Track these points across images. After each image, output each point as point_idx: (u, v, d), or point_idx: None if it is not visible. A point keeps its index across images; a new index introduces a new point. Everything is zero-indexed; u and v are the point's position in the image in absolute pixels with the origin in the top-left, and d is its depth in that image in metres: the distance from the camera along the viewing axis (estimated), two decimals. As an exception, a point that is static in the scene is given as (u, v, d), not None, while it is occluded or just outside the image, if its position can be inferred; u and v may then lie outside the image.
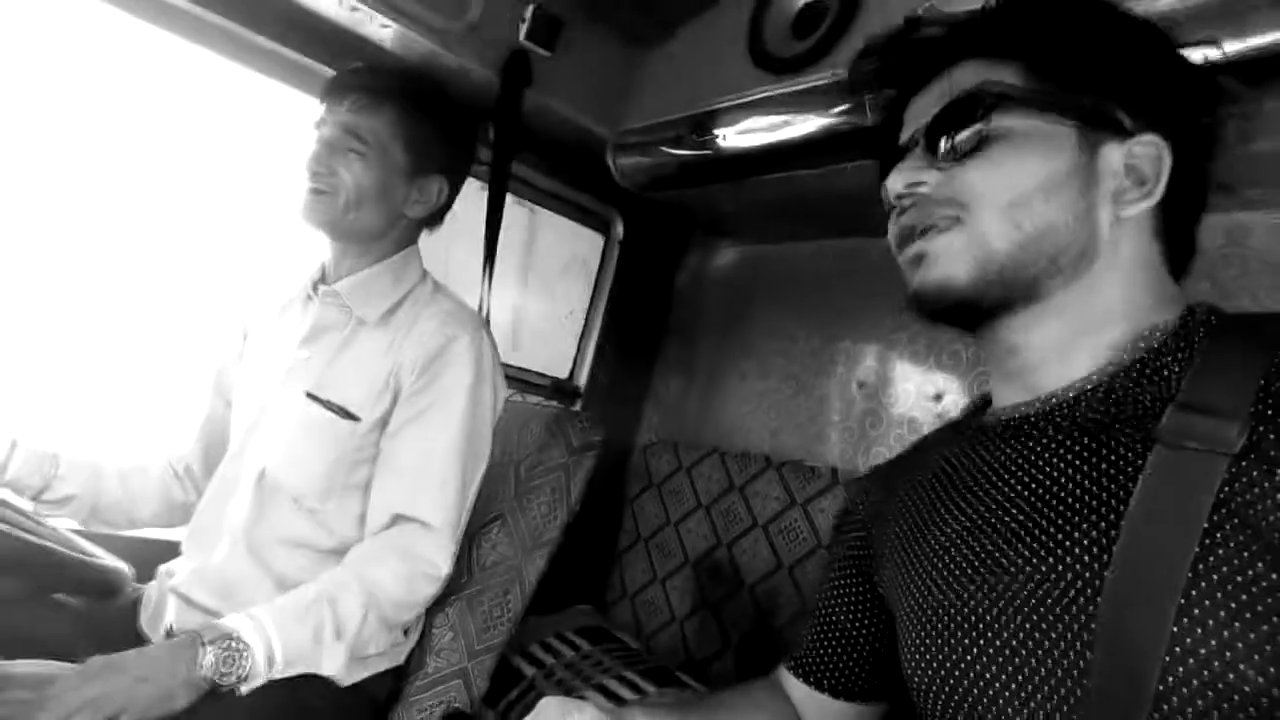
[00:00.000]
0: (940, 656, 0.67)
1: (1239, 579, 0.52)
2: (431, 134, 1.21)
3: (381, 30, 1.57)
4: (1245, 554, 0.52)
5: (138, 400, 1.67)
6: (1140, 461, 0.59)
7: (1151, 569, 0.55)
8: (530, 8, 1.66)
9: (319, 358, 1.19)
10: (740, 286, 2.20)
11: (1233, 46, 0.97)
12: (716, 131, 1.66)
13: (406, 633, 1.22)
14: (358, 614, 1.04)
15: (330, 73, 1.48)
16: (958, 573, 0.68)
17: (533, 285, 2.12)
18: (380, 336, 1.18)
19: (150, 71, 1.64)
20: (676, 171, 1.79)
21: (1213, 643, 0.51)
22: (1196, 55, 0.95)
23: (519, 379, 2.03)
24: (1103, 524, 0.60)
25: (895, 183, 0.71)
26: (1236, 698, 0.50)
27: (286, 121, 1.67)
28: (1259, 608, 0.51)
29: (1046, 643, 0.59)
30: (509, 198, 1.92)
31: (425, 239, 1.70)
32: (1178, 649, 0.52)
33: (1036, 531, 0.64)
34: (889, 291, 1.85)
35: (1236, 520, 0.53)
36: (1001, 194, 0.66)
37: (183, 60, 1.59)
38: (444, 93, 1.31)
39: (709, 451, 1.99)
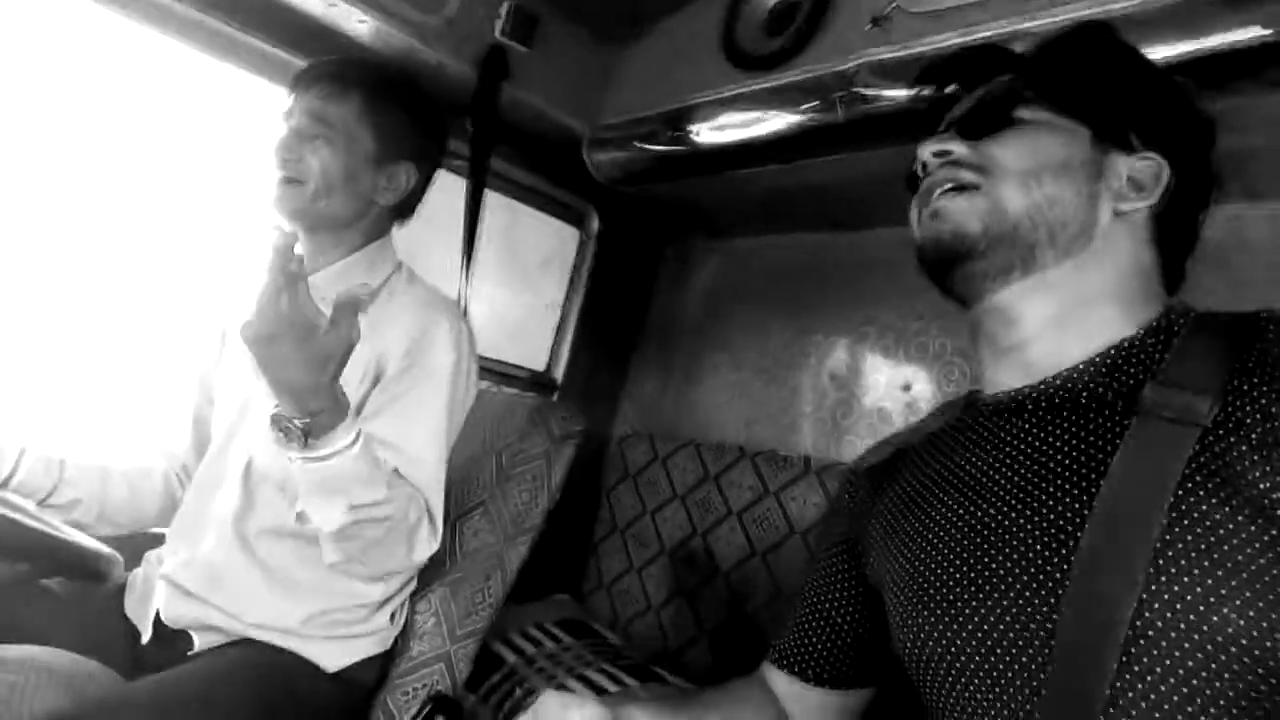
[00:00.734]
0: (929, 624, 0.70)
1: (1220, 531, 0.56)
2: (398, 121, 1.23)
3: (359, 25, 1.58)
4: (1226, 508, 0.56)
5: (134, 401, 1.67)
6: (1120, 431, 0.65)
7: (1124, 525, 0.59)
8: (507, 4, 1.68)
9: None
10: (715, 280, 2.24)
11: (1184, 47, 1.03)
12: (691, 128, 1.69)
13: (392, 617, 1.23)
14: (381, 516, 1.03)
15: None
16: (947, 540, 0.72)
17: (510, 279, 2.14)
18: (362, 325, 1.20)
19: (130, 68, 1.64)
20: (652, 167, 1.82)
21: (1197, 589, 0.55)
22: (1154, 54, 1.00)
23: (497, 371, 2.04)
24: (1082, 486, 0.64)
25: (926, 149, 0.79)
26: (1220, 638, 0.54)
27: (266, 116, 1.68)
28: (1239, 556, 0.55)
29: (1022, 600, 0.63)
30: (487, 191, 1.95)
31: (405, 233, 1.72)
32: (1153, 598, 0.56)
33: (1019, 498, 0.68)
34: (860, 285, 1.91)
35: (1215, 480, 0.58)
36: (1020, 164, 0.73)
37: (161, 56, 1.59)
38: (410, 81, 1.33)
39: (684, 443, 2.02)
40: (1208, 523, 0.57)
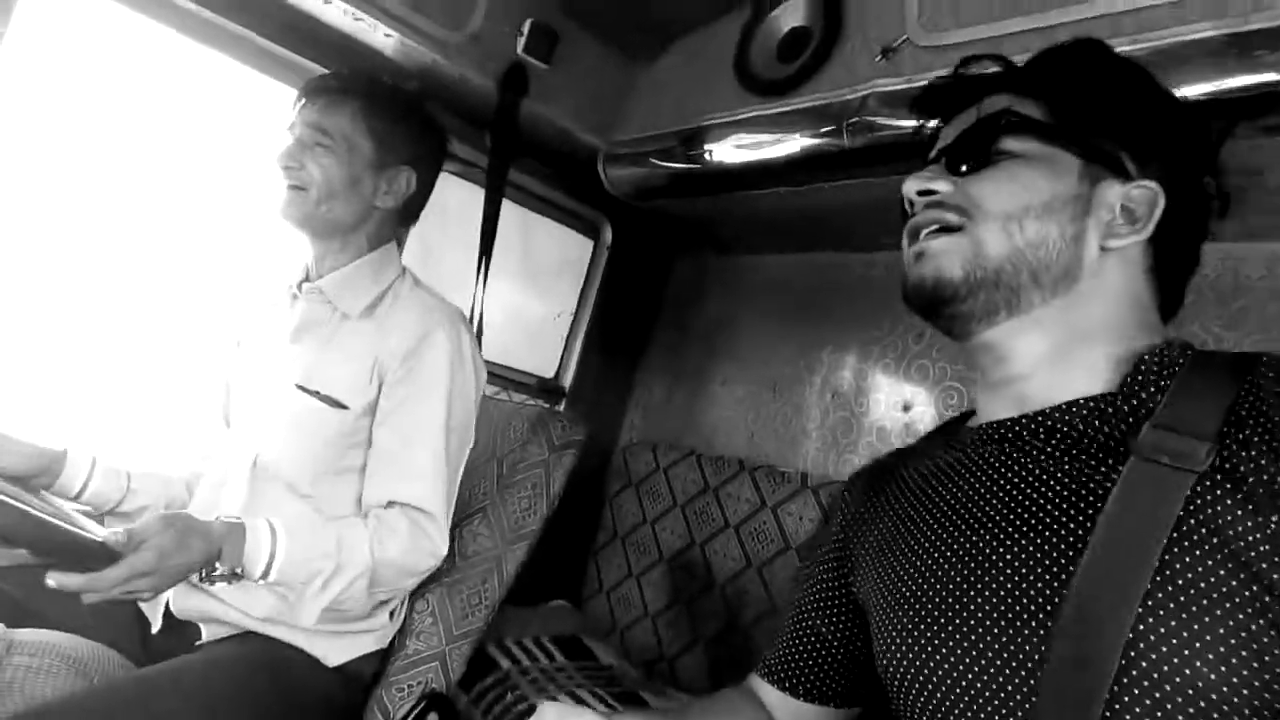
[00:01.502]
0: (912, 652, 0.70)
1: (1202, 584, 0.56)
2: (395, 128, 1.28)
3: (384, 39, 1.63)
4: (1210, 561, 0.57)
5: (174, 408, 1.73)
6: (1115, 472, 0.64)
7: (1116, 570, 0.59)
8: (529, 21, 1.72)
9: (307, 352, 1.25)
10: (724, 295, 2.27)
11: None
12: (703, 147, 1.73)
13: (392, 615, 1.28)
14: (349, 578, 1.11)
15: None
16: (931, 565, 0.72)
17: (524, 287, 2.19)
18: (364, 329, 1.25)
19: (161, 73, 1.70)
20: (665, 184, 1.85)
21: (1173, 641, 0.55)
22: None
23: (507, 377, 2.09)
24: (1075, 525, 0.64)
25: (910, 186, 0.79)
26: (1190, 692, 0.54)
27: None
28: (1218, 611, 0.55)
29: (1011, 630, 0.63)
30: (504, 202, 2.00)
31: (425, 241, 1.76)
32: (1140, 645, 0.56)
33: (1010, 528, 0.68)
34: (865, 305, 1.94)
35: (1204, 530, 0.58)
36: (1003, 205, 0.73)
37: (190, 63, 1.64)
38: (406, 91, 1.39)
39: (686, 453, 2.06)
40: (1195, 576, 0.57)
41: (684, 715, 0.93)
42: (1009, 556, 0.67)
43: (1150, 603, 0.57)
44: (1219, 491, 0.59)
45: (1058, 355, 0.73)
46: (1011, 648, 0.63)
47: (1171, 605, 0.57)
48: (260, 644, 1.17)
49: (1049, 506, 0.67)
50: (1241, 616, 0.55)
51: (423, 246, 1.95)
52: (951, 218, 0.75)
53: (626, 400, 2.39)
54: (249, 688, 1.11)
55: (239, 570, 1.05)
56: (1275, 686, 0.53)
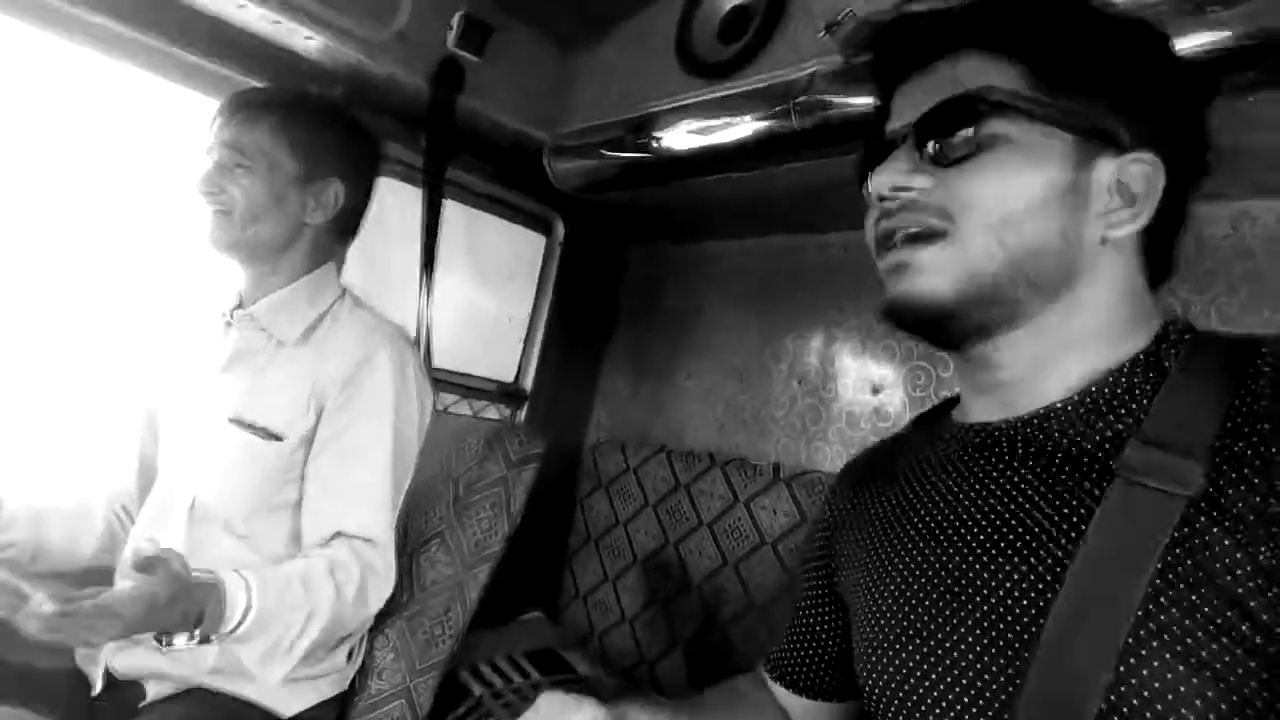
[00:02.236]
0: (890, 664, 0.67)
1: (1187, 622, 0.52)
2: (316, 138, 1.21)
3: (306, 41, 1.54)
4: (1196, 597, 0.52)
5: (72, 436, 1.64)
6: (1100, 491, 0.59)
7: (1100, 603, 0.55)
8: (459, 15, 1.64)
9: (240, 383, 1.18)
10: (684, 285, 2.21)
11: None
12: (650, 135, 1.66)
13: (350, 655, 1.22)
14: (320, 626, 1.05)
15: (261, 85, 1.46)
16: (911, 581, 0.68)
17: (476, 290, 2.11)
18: (301, 356, 1.18)
19: (75, 90, 1.60)
20: (613, 175, 1.79)
21: (1156, 686, 0.51)
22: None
23: (463, 385, 2.02)
24: (1057, 549, 0.59)
25: (881, 183, 0.67)
26: None
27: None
28: (1203, 653, 0.51)
29: (986, 658, 0.60)
30: (450, 202, 1.92)
31: (366, 248, 1.68)
32: (1122, 689, 0.52)
33: (991, 548, 0.63)
34: (827, 287, 1.89)
35: (1189, 563, 0.53)
36: (993, 210, 0.63)
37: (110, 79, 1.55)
38: (327, 98, 1.32)
39: (656, 450, 2.01)
40: (1181, 613, 0.52)
41: (693, 704, 0.88)
42: (987, 577, 0.63)
43: (1132, 641, 0.53)
44: (1207, 518, 0.54)
45: (1051, 360, 0.66)
46: (986, 676, 0.59)
47: (1155, 644, 0.52)
48: (209, 701, 1.10)
49: (1032, 525, 0.62)
50: (1229, 659, 0.50)
51: (365, 257, 1.87)
52: (935, 222, 0.64)
53: (592, 399, 2.33)
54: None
55: (212, 636, 0.97)
56: None
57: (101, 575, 1.30)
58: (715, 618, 1.74)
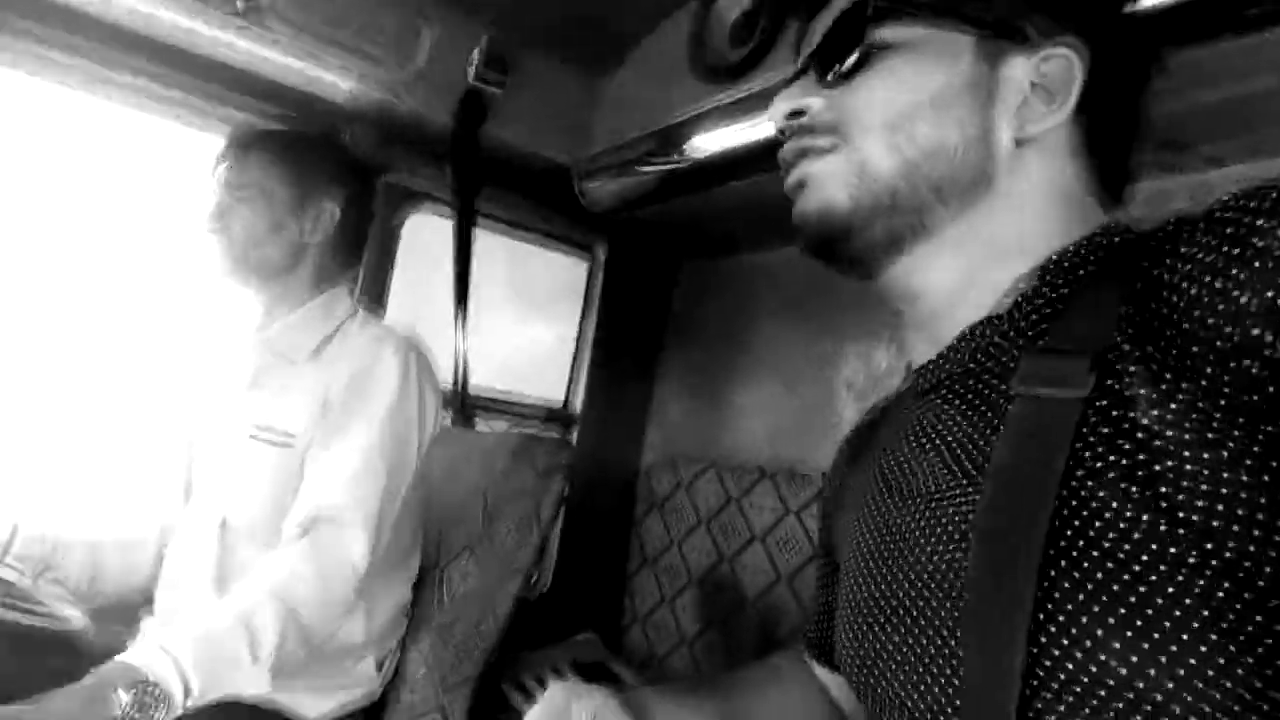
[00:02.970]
0: (858, 647, 0.61)
1: (1120, 537, 0.43)
2: (306, 163, 1.26)
3: (332, 87, 1.62)
4: (1129, 504, 0.44)
5: (123, 469, 1.73)
6: (1001, 420, 0.53)
7: (1007, 547, 0.47)
8: (478, 48, 1.70)
9: (260, 401, 1.22)
10: (730, 298, 2.19)
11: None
12: (675, 146, 1.67)
13: (380, 667, 1.22)
14: (274, 631, 1.04)
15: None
16: (870, 555, 0.63)
17: (522, 317, 2.15)
18: (314, 369, 1.22)
19: (119, 147, 1.72)
20: (645, 190, 1.80)
21: (1096, 629, 0.43)
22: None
23: (510, 410, 2.04)
24: (966, 488, 0.53)
25: (777, 110, 0.64)
26: (1103, 691, 0.43)
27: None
28: (1149, 578, 0.42)
29: (929, 631, 0.53)
30: (488, 233, 1.97)
31: (410, 281, 1.74)
32: (1049, 639, 0.44)
33: (918, 497, 0.58)
34: (871, 291, 1.83)
35: (1113, 458, 0.45)
36: (880, 113, 0.59)
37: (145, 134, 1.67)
38: (314, 130, 1.37)
39: (706, 466, 1.97)
40: (1103, 526, 0.44)
41: (723, 689, 0.82)
42: (916, 535, 0.56)
43: (1052, 581, 0.45)
44: (1111, 415, 0.46)
45: (977, 278, 0.60)
46: (932, 652, 0.52)
47: (1078, 582, 0.44)
48: (235, 707, 1.11)
49: (947, 472, 0.56)
50: (1177, 581, 0.41)
51: (412, 295, 1.93)
52: (821, 142, 0.62)
53: (644, 421, 2.31)
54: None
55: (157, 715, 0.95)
56: (1248, 680, 0.39)
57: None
58: (772, 635, 1.67)
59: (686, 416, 2.22)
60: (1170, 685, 0.40)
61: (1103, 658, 0.43)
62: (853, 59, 0.61)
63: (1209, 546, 0.41)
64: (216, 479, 1.23)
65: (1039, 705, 0.45)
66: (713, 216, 2.00)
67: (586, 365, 2.17)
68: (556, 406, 2.15)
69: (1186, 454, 0.42)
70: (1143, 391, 0.45)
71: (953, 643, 0.51)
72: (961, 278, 0.61)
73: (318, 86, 1.62)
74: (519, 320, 2.13)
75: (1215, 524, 0.41)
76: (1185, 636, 0.40)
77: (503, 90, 1.73)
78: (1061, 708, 0.44)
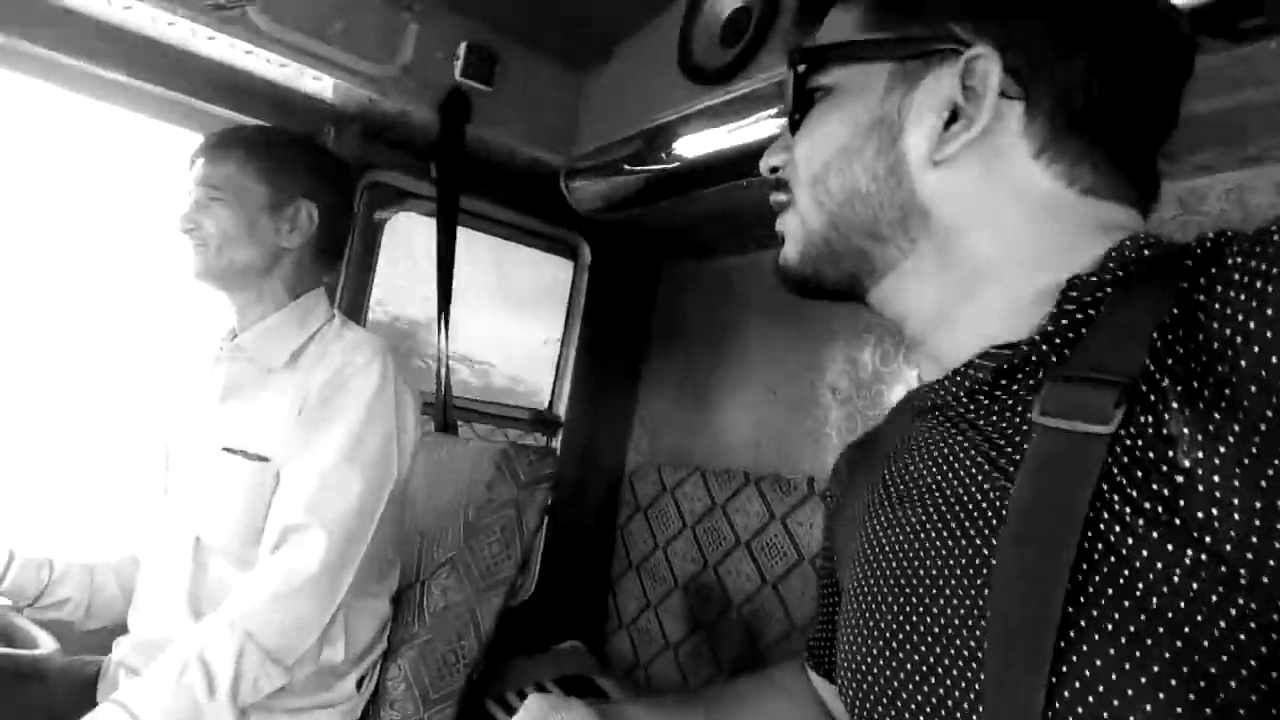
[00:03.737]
0: (860, 681, 0.58)
1: (1147, 572, 0.40)
2: (282, 164, 1.23)
3: (315, 83, 1.59)
4: (1153, 534, 0.40)
5: (114, 487, 1.70)
6: (1020, 452, 0.49)
7: (1027, 583, 0.44)
8: (463, 45, 1.67)
9: (234, 413, 1.19)
10: (715, 301, 2.17)
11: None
12: (661, 149, 1.64)
13: (359, 685, 1.20)
14: (229, 664, 1.01)
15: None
16: (876, 588, 0.59)
17: (506, 319, 2.12)
18: (289, 378, 1.19)
19: (95, 144, 1.68)
20: (632, 192, 1.77)
21: (1102, 673, 0.40)
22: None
23: (494, 415, 2.01)
24: (985, 523, 0.50)
25: (762, 168, 0.66)
26: None
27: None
28: (1146, 641, 0.40)
29: (946, 660, 0.50)
30: (472, 233, 1.94)
31: (393, 281, 1.70)
32: (1063, 685, 0.41)
33: (937, 528, 0.54)
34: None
35: (1137, 492, 0.42)
36: (804, 169, 0.60)
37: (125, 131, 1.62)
38: (290, 130, 1.35)
39: (691, 471, 1.96)
40: (1132, 576, 0.41)
41: (712, 702, 0.81)
42: (933, 572, 0.53)
43: (1068, 624, 0.42)
44: (1147, 432, 0.42)
45: (959, 300, 0.57)
46: (948, 682, 0.49)
47: (1095, 613, 0.41)
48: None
49: (965, 498, 0.53)
50: (1214, 638, 0.38)
51: (395, 296, 1.90)
52: (782, 198, 0.63)
53: (629, 424, 2.29)
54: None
55: None
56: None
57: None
58: (757, 641, 1.66)
59: (671, 420, 2.20)
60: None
61: (1118, 707, 0.39)
62: (796, 113, 0.61)
63: (1254, 607, 0.38)
64: (190, 495, 1.20)
65: None
66: (701, 220, 1.97)
67: (571, 368, 2.14)
68: (541, 410, 2.12)
69: (1235, 502, 0.38)
70: (1186, 431, 0.40)
71: (965, 706, 0.48)
72: (940, 302, 0.58)
73: (301, 84, 1.58)
74: (502, 323, 2.10)
75: (1266, 580, 0.37)
76: (1220, 699, 0.38)
77: (488, 89, 1.70)
78: None
